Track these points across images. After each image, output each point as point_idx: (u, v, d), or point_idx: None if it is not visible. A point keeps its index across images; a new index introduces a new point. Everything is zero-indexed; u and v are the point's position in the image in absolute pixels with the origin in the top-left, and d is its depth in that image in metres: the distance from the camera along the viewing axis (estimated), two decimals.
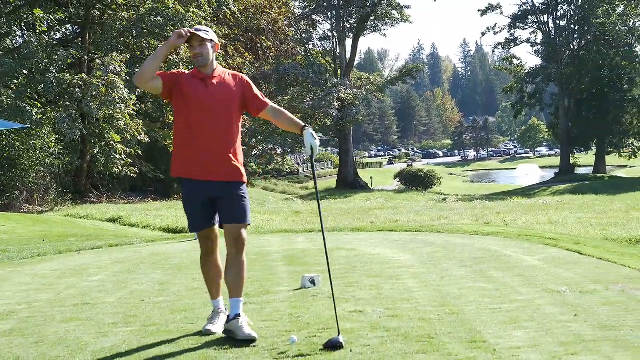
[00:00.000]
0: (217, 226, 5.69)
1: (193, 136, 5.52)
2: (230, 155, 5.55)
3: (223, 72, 5.71)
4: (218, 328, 5.55)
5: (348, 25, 65.98)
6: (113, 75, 29.48)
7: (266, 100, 5.76)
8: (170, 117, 35.17)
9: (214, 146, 5.50)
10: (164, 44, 5.62)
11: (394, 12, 65.26)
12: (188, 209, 5.70)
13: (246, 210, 5.60)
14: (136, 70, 32.43)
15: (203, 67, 5.57)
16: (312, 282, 7.16)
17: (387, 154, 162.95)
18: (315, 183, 6.17)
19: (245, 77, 5.78)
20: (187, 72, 5.71)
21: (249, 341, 5.16)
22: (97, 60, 31.39)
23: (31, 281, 8.55)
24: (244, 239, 5.58)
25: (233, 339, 5.23)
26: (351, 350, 4.79)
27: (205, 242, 5.71)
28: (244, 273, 5.60)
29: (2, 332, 5.82)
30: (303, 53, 62.20)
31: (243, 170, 5.62)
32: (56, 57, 29.34)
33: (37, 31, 30.25)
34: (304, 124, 5.62)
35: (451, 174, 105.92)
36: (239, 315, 5.40)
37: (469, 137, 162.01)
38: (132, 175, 33.44)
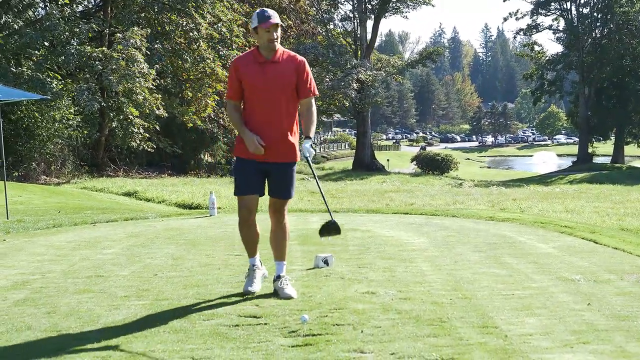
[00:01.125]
0: (258, 196, 6.05)
1: (252, 119, 5.90)
2: (286, 137, 5.90)
3: (282, 54, 5.91)
4: (256, 287, 6.05)
5: (370, 6, 65.69)
6: (133, 50, 29.47)
7: (311, 91, 5.99)
8: (189, 93, 35.20)
9: (270, 128, 5.85)
10: (240, 131, 5.97)
11: None
12: (239, 176, 6.06)
13: (291, 187, 6.08)
14: (157, 45, 32.59)
15: (271, 50, 5.83)
16: (326, 262, 7.15)
17: (404, 136, 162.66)
18: (318, 186, 6.40)
19: (303, 61, 6.00)
20: (242, 55, 6.05)
21: (288, 299, 5.75)
22: (118, 34, 31.36)
23: (45, 252, 8.59)
24: (284, 211, 6.12)
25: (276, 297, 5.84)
26: (362, 332, 4.79)
27: (244, 208, 6.03)
28: (286, 239, 6.16)
29: (15, 301, 5.86)
30: (324, 33, 61.98)
31: (297, 148, 6.00)
32: (77, 29, 29.39)
33: (59, 3, 30.26)
34: (308, 135, 5.93)
35: (468, 159, 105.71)
36: (280, 276, 6.01)
37: (487, 123, 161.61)
38: (149, 149, 33.52)
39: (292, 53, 6.02)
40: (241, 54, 6.24)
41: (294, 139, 5.96)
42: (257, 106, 5.86)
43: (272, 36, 5.74)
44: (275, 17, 5.74)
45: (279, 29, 5.81)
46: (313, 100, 6.02)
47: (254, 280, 6.08)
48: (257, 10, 5.80)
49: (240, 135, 5.93)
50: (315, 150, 6.03)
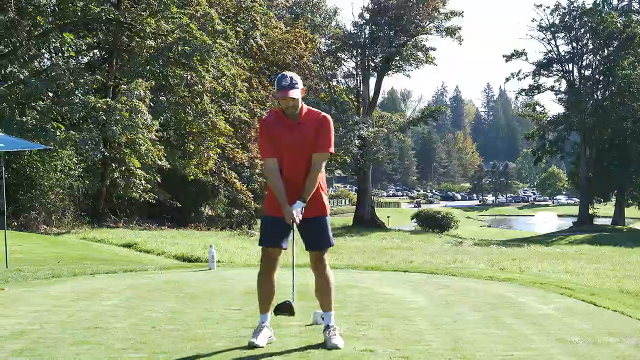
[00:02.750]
0: (281, 250, 6.23)
1: (281, 177, 6.09)
2: (315, 194, 6.10)
3: (307, 113, 6.11)
4: (261, 341, 6.04)
5: (373, 64, 66.33)
6: (137, 101, 29.66)
7: (325, 148, 6.13)
8: (191, 146, 35.31)
9: (297, 186, 6.05)
10: (280, 199, 6.09)
11: (419, 53, 65.60)
12: (266, 228, 6.26)
13: (324, 238, 6.25)
14: (161, 97, 32.83)
15: (291, 115, 6.03)
16: (323, 317, 7.14)
17: (405, 194, 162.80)
18: (293, 255, 6.37)
19: (325, 118, 6.17)
20: (270, 115, 6.23)
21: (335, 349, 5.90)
22: (123, 86, 31.61)
23: (44, 302, 8.57)
24: (324, 262, 6.29)
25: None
26: None
27: (267, 260, 6.22)
28: (330, 289, 6.34)
29: (13, 351, 5.84)
30: (326, 89, 62.47)
31: (326, 202, 6.27)
32: (82, 80, 29.60)
33: (65, 55, 30.55)
34: (303, 197, 6.05)
35: (469, 217, 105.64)
36: (329, 326, 6.17)
37: (488, 182, 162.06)
38: (150, 201, 33.53)
39: (316, 111, 6.21)
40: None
41: (321, 197, 6.16)
42: (285, 165, 6.07)
43: (287, 103, 5.93)
44: (290, 91, 5.89)
45: (298, 92, 5.95)
46: (324, 159, 6.12)
47: (261, 333, 6.11)
48: (279, 75, 5.98)
49: (280, 204, 6.05)
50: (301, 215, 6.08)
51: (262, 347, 5.97)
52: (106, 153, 30.73)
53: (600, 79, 77.49)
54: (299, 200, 6.01)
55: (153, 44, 32.32)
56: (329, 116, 6.22)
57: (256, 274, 6.24)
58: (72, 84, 29.19)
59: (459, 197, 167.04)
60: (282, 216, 6.01)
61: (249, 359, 5.61)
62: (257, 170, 44.11)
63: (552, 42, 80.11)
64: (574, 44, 78.69)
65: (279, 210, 6.02)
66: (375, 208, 73.71)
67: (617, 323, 7.63)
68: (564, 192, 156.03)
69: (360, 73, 66.48)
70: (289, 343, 6.24)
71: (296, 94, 5.93)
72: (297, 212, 5.95)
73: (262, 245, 6.23)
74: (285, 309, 6.05)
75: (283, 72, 6.03)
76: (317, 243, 6.22)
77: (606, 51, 76.22)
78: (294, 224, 6.00)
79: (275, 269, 6.28)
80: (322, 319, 7.03)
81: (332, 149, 6.17)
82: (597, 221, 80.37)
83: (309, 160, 6.04)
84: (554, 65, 79.74)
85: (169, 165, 32.99)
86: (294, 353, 5.84)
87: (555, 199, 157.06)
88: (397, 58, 65.33)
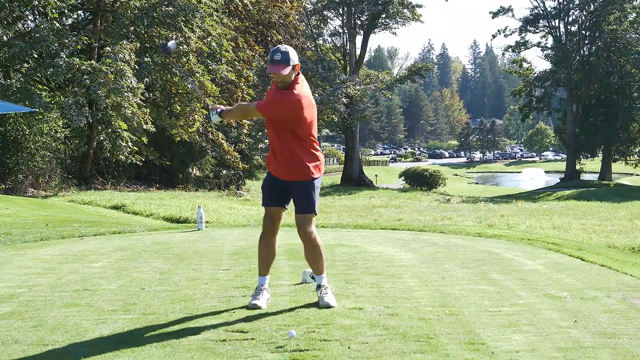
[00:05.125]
0: (282, 210, 6.41)
1: (270, 142, 6.35)
2: (295, 159, 6.19)
3: (299, 83, 6.16)
4: (262, 303, 6.12)
5: (359, 22, 65.98)
6: (122, 64, 29.39)
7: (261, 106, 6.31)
8: (178, 106, 35.13)
9: (280, 152, 6.23)
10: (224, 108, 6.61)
11: (405, 10, 65.16)
12: (265, 188, 6.46)
13: (305, 203, 6.30)
14: (146, 59, 32.56)
15: (281, 88, 6.14)
16: (313, 277, 7.14)
17: (392, 152, 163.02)
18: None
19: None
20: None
21: (328, 308, 6.03)
22: (107, 48, 31.29)
23: (33, 265, 8.56)
24: (307, 227, 6.29)
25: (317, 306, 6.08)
26: (349, 347, 4.80)
27: (268, 220, 6.38)
28: (316, 254, 6.35)
29: (2, 314, 5.84)
30: (313, 48, 62.15)
31: (311, 169, 6.29)
32: (66, 41, 29.31)
33: (49, 17, 30.21)
34: (222, 108, 6.52)
35: (456, 174, 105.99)
36: (320, 286, 6.29)
37: (475, 139, 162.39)
38: (137, 163, 33.42)
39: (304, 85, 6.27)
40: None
41: (303, 164, 6.21)
42: (271, 135, 6.30)
43: (277, 78, 6.05)
44: (278, 67, 5.96)
45: (289, 71, 6.01)
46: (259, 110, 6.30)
47: (261, 295, 6.22)
48: (273, 48, 6.04)
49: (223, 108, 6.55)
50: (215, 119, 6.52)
51: (264, 308, 6.01)
52: (91, 117, 30.48)
53: (587, 34, 77.28)
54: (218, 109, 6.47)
55: (137, 4, 31.97)
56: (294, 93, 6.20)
57: (245, 234, 6.28)
58: (56, 44, 28.88)
59: (447, 155, 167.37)
60: (276, 175, 6.30)
61: (239, 320, 5.62)
62: (245, 131, 43.98)
63: None
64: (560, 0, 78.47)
65: (277, 168, 6.28)
66: (364, 166, 73.72)
67: (604, 278, 7.68)
68: (551, 149, 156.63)
69: (346, 31, 66.12)
70: (279, 302, 6.27)
71: (285, 71, 5.96)
72: (212, 116, 6.43)
73: (263, 205, 6.43)
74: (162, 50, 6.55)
75: (278, 46, 6.04)
76: (299, 206, 6.30)
77: (592, 6, 75.89)
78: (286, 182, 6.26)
79: (276, 231, 6.41)
80: (313, 278, 7.07)
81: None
82: (584, 177, 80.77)
83: (293, 135, 6.14)
84: (541, 21, 79.46)
85: (154, 129, 32.79)
86: (285, 313, 5.86)
87: (543, 156, 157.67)
88: (384, 16, 64.91)
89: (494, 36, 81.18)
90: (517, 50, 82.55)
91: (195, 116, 34.60)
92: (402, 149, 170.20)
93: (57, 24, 30.30)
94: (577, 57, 76.88)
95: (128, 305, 6.20)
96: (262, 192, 6.50)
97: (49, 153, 29.86)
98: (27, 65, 30.27)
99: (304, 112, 6.07)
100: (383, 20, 65.93)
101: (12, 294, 6.75)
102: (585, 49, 77.90)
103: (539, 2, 79.73)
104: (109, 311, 5.94)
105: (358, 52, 66.75)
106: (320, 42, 66.76)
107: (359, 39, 67.05)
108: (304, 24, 59.93)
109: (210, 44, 33.63)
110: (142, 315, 5.77)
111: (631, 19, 72.18)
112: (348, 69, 63.96)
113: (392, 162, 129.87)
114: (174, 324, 5.48)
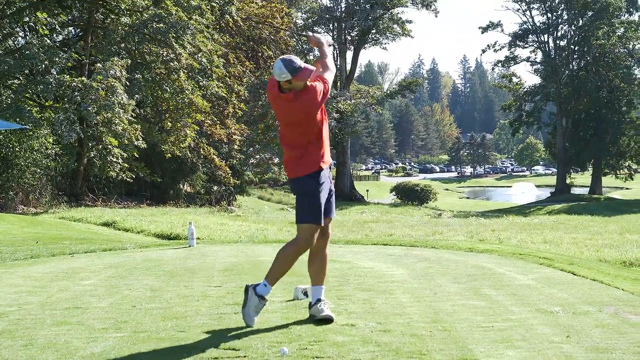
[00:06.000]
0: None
1: (281, 142, 6.24)
2: (296, 158, 6.04)
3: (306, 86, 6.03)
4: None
5: (349, 38, 66.31)
6: (113, 80, 29.40)
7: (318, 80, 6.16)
8: (169, 123, 35.13)
9: (286, 151, 6.15)
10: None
11: (395, 26, 65.54)
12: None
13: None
14: (137, 75, 32.56)
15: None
16: (305, 293, 7.13)
17: (383, 167, 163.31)
18: None
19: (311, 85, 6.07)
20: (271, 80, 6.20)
21: (326, 321, 5.97)
22: (98, 64, 31.30)
23: (23, 283, 8.51)
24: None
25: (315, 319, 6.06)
26: None
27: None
28: (325, 265, 6.57)
29: None
30: None
31: (303, 167, 6.06)
32: (57, 59, 29.30)
33: (39, 34, 30.21)
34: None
35: (447, 189, 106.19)
36: (319, 300, 6.21)
37: (466, 153, 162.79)
38: (128, 179, 33.36)
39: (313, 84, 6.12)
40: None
41: (300, 163, 6.06)
42: (281, 134, 6.24)
43: (301, 84, 5.90)
44: (283, 75, 5.81)
45: (292, 82, 5.89)
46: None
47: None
48: (279, 58, 5.91)
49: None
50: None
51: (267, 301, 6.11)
52: (82, 133, 30.42)
53: (576, 49, 77.81)
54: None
55: (128, 21, 32.00)
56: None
57: (236, 250, 6.24)
58: (46, 62, 28.88)
59: (438, 169, 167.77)
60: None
61: (231, 337, 5.60)
62: (236, 146, 43.98)
63: (528, 12, 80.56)
64: (549, 15, 78.99)
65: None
66: (354, 181, 73.79)
67: (596, 292, 7.67)
68: (541, 163, 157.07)
69: (337, 47, 66.38)
70: (271, 319, 6.24)
71: (287, 77, 5.84)
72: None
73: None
74: None
75: (281, 63, 5.82)
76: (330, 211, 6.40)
77: (581, 21, 76.47)
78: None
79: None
80: (305, 294, 7.06)
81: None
82: (575, 191, 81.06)
83: (295, 132, 6.05)
84: (530, 36, 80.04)
85: (145, 145, 32.76)
86: (277, 330, 5.83)
87: (533, 170, 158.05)
88: (374, 31, 65.33)
89: (483, 51, 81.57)
90: (506, 65, 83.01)
91: (187, 131, 34.59)
92: (393, 164, 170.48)
93: (48, 41, 30.30)
94: (567, 72, 77.37)
95: (119, 323, 6.15)
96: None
97: (39, 170, 29.76)
98: (18, 82, 30.23)
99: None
100: (373, 36, 66.34)
101: (2, 312, 6.70)
102: (574, 63, 78.40)
103: (528, 17, 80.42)
104: (100, 329, 5.90)
105: (348, 67, 67.03)
106: (311, 57, 66.93)
107: (349, 55, 67.45)
108: (294, 39, 60.12)
109: (201, 60, 33.66)
110: (133, 333, 5.74)
111: (619, 33, 72.75)
112: (339, 84, 64.16)
113: (376, 174, 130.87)
114: (166, 342, 5.45)
